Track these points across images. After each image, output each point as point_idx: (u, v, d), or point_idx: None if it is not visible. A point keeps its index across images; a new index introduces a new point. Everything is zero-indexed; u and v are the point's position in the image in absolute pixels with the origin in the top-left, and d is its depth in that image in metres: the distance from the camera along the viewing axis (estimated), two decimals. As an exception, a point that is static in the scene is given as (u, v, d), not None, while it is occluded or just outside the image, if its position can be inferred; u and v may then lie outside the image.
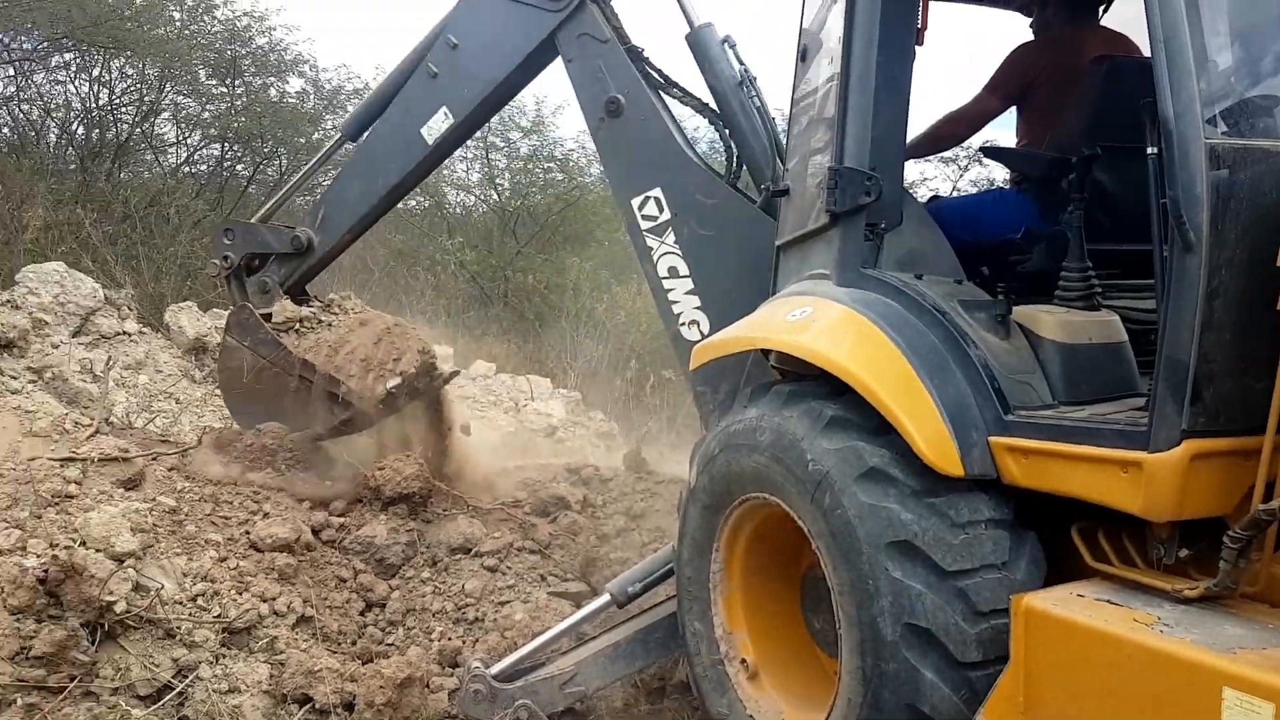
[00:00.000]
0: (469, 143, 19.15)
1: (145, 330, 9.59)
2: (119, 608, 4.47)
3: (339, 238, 6.18)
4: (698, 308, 4.92)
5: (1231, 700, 2.42)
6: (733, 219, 4.81)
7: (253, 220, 6.59)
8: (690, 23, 4.95)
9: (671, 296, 4.96)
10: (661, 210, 4.87)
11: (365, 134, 5.99)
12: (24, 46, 14.96)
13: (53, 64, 15.61)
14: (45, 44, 14.93)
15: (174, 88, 16.17)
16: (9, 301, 8.59)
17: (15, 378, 7.94)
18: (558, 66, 5.36)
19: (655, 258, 4.92)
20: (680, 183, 4.88)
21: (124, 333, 9.29)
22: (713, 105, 5.11)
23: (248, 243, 6.28)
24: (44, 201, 11.86)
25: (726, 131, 5.02)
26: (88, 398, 7.85)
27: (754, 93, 4.95)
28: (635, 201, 4.93)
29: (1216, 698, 2.44)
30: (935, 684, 3.13)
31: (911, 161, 5.12)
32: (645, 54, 5.03)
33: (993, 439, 3.35)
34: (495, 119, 18.74)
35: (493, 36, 5.30)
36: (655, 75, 5.06)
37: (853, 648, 3.32)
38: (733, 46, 4.96)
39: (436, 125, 5.54)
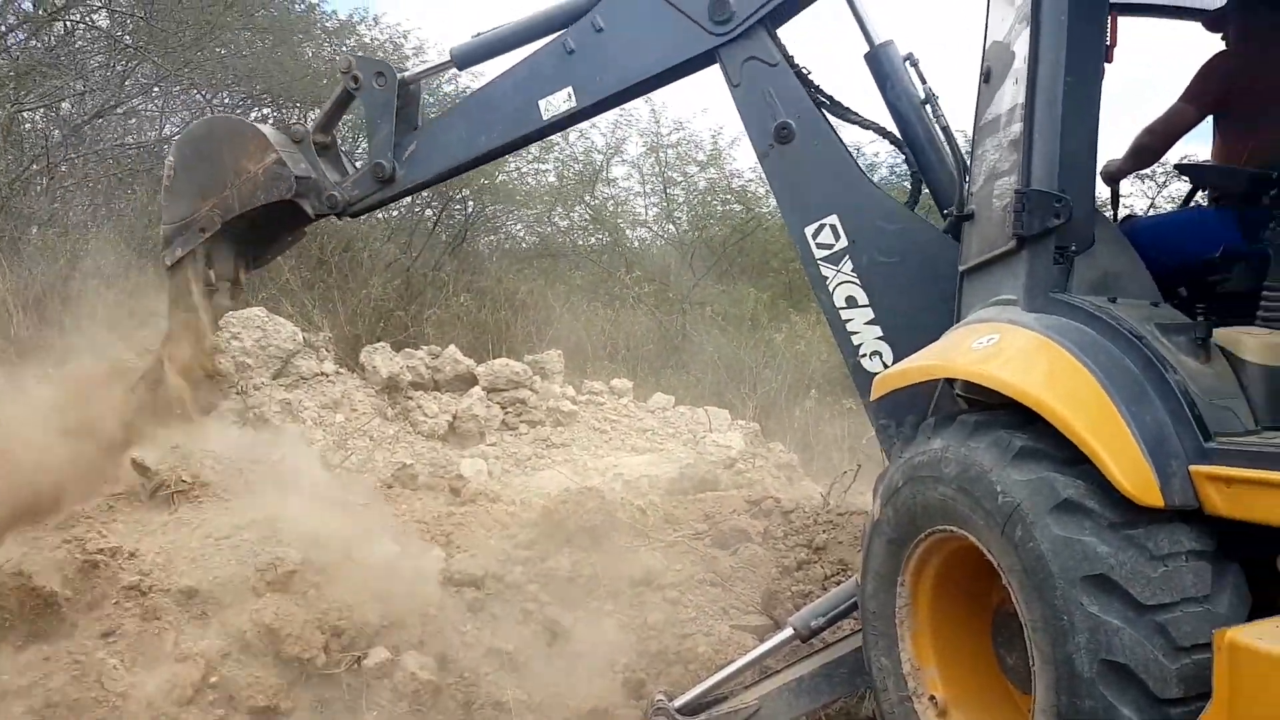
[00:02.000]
0: (646, 178, 19.54)
1: (341, 370, 10.04)
2: None
3: (424, 178, 5.84)
4: (879, 338, 4.75)
5: None
6: (916, 245, 4.66)
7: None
8: (870, 41, 4.82)
9: (851, 327, 4.79)
10: (838, 238, 4.71)
11: (486, 84, 5.64)
12: (225, 102, 15.94)
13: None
14: (245, 99, 15.87)
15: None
16: (214, 346, 9.13)
17: (219, 419, 8.42)
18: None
19: (831, 287, 4.76)
20: (858, 208, 4.71)
21: (322, 373, 9.75)
22: (892, 127, 4.96)
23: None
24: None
25: (910, 153, 4.88)
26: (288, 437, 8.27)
27: (938, 113, 4.82)
28: (809, 229, 4.76)
29: None
30: (1134, 722, 3.02)
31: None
32: (812, 77, 4.89)
33: (1193, 468, 3.21)
34: (673, 154, 19.06)
35: (642, 35, 5.03)
36: (825, 99, 4.91)
37: (1048, 685, 3.22)
38: (915, 65, 4.82)
39: (556, 103, 5.27)
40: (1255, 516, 3.07)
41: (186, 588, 5.00)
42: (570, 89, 5.20)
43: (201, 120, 5.86)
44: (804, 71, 4.85)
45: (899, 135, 4.93)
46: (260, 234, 6.09)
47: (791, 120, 4.76)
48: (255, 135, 5.70)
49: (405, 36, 17.70)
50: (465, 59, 5.64)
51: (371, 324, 12.16)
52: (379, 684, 4.80)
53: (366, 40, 17.43)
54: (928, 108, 4.82)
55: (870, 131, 5.02)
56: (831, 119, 4.90)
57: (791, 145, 4.77)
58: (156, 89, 15.12)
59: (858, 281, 4.72)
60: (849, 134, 5.06)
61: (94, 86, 13.79)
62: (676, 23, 4.87)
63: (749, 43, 4.79)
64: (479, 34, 5.51)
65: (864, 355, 4.76)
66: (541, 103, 5.27)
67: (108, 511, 5.65)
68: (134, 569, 5.11)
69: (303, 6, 17.15)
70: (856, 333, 4.78)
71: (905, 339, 4.60)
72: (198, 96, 15.64)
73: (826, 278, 4.75)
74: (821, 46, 4.91)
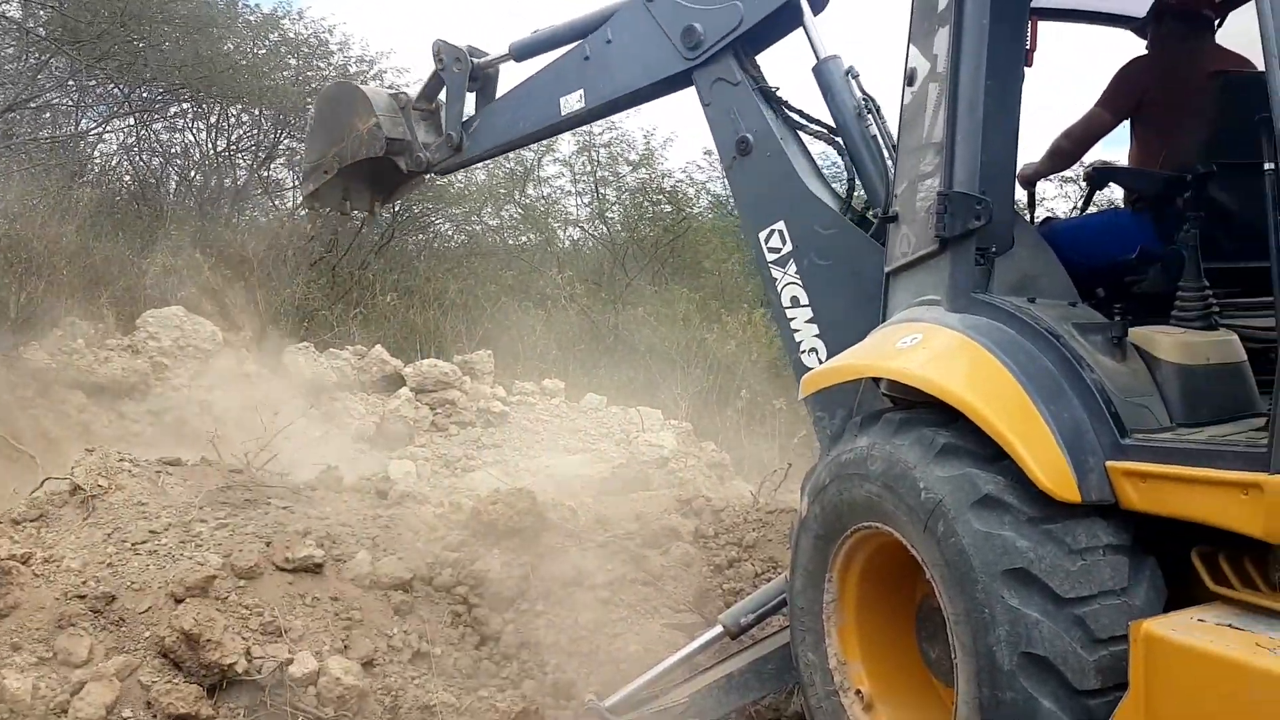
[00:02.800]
0: (578, 178, 19.54)
1: (264, 371, 9.89)
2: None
3: (482, 151, 6.49)
4: (816, 335, 4.95)
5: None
6: (848, 248, 4.87)
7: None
8: (817, 56, 5.05)
9: (794, 325, 5.02)
10: (785, 243, 4.99)
11: (531, 75, 6.13)
12: (143, 96, 15.62)
13: (171, 113, 16.28)
14: (164, 93, 15.56)
15: (289, 133, 16.73)
16: (130, 346, 8.93)
17: (136, 421, 8.26)
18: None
19: (780, 288, 5.02)
20: (800, 215, 4.97)
21: (243, 374, 9.59)
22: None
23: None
24: (164, 248, 12.34)
25: (847, 159, 5.06)
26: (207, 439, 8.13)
27: (876, 121, 5.01)
28: (762, 235, 5.05)
29: (1346, 724, 2.36)
30: (1053, 712, 3.07)
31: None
32: (779, 92, 5.16)
33: (1110, 463, 3.28)
34: (604, 154, 19.07)
35: (638, 50, 5.48)
36: (790, 113, 5.18)
37: (969, 677, 3.27)
38: (855, 77, 5.02)
39: (571, 102, 5.79)
40: (1170, 511, 3.14)
41: (103, 594, 4.89)
42: (582, 91, 5.73)
43: (332, 82, 6.98)
44: (771, 90, 5.12)
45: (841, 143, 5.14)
46: (382, 178, 6.84)
47: (749, 134, 5.05)
48: (364, 99, 6.52)
49: (330, 31, 17.54)
50: (521, 52, 6.23)
51: (295, 324, 11.98)
52: (303, 690, 4.73)
53: (290, 35, 17.23)
54: (869, 117, 5.00)
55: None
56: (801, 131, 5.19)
57: (750, 157, 5.08)
58: (71, 82, 14.78)
59: (800, 283, 4.96)
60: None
61: (5, 80, 13.45)
62: (661, 45, 5.30)
63: (716, 66, 5.13)
64: (535, 31, 6.12)
65: (803, 352, 4.97)
66: (561, 100, 5.83)
67: (20, 516, 5.50)
68: (48, 575, 4.99)
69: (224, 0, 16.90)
70: (798, 330, 5.00)
71: (837, 337, 4.77)
72: (115, 90, 15.32)
73: (776, 279, 5.02)
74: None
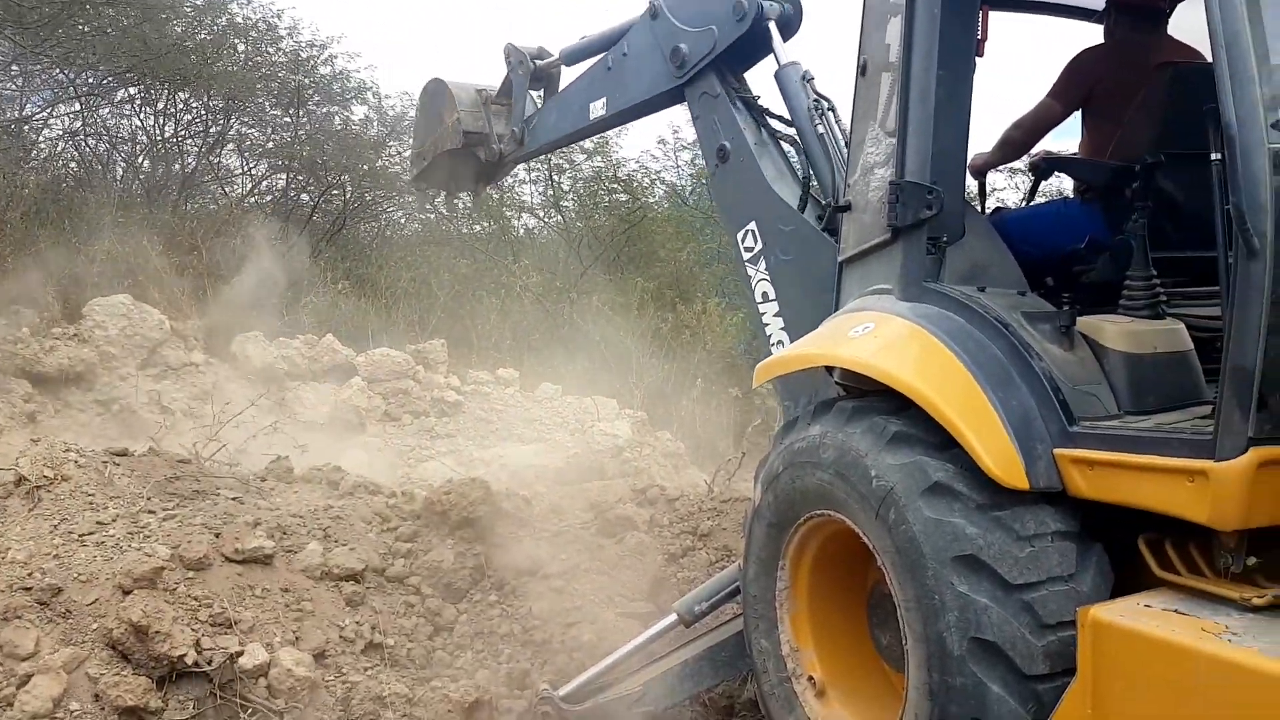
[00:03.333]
0: (533, 165, 19.42)
1: (212, 360, 9.76)
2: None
3: (539, 145, 6.98)
4: (782, 328, 5.18)
5: (1303, 709, 2.37)
6: (805, 243, 5.11)
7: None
8: (778, 63, 5.38)
9: (765, 319, 5.26)
10: (757, 241, 5.29)
11: (574, 79, 6.58)
12: (89, 81, 15.33)
13: (118, 98, 15.98)
14: (110, 78, 15.29)
15: (239, 119, 16.50)
16: (76, 335, 8.77)
17: (83, 410, 8.13)
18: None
19: (754, 284, 5.33)
20: (767, 215, 5.27)
21: (191, 363, 9.45)
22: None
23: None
24: (111, 234, 12.13)
25: (804, 159, 5.33)
26: (156, 429, 8.02)
27: (826, 121, 5.27)
28: (739, 235, 5.38)
29: (1286, 706, 2.40)
30: (1002, 698, 3.11)
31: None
32: (760, 100, 5.50)
33: (1058, 451, 3.32)
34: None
35: (643, 65, 5.90)
36: (769, 119, 5.49)
37: (919, 663, 3.30)
38: (810, 80, 5.33)
39: (597, 108, 6.22)
40: (1117, 498, 3.19)
41: (50, 585, 4.81)
42: (605, 99, 6.16)
43: (432, 78, 7.19)
44: (752, 99, 5.50)
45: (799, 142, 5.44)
46: (479, 164, 7.23)
47: (727, 143, 5.41)
48: (450, 94, 6.99)
49: (279, 15, 17.31)
50: (569, 57, 6.70)
51: (244, 312, 11.80)
52: (254, 682, 4.68)
53: (239, 20, 16.97)
54: (814, 117, 5.27)
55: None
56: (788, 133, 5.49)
57: (728, 164, 5.44)
58: (15, 67, 14.49)
59: (769, 279, 5.27)
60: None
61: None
62: (659, 62, 5.73)
63: (701, 82, 5.52)
64: (583, 37, 6.57)
65: (774, 344, 5.19)
66: (590, 105, 6.28)
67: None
68: (-7, 567, 4.91)
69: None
70: (768, 324, 5.25)
71: (798, 330, 4.93)
72: (60, 75, 15.03)
73: (751, 276, 5.33)
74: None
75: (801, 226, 5.14)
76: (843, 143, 5.11)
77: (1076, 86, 4.60)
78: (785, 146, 5.43)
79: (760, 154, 5.36)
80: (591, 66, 6.34)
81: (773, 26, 5.36)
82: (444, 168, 7.35)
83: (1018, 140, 4.78)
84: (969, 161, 4.87)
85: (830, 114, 5.26)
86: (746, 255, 5.33)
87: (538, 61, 6.81)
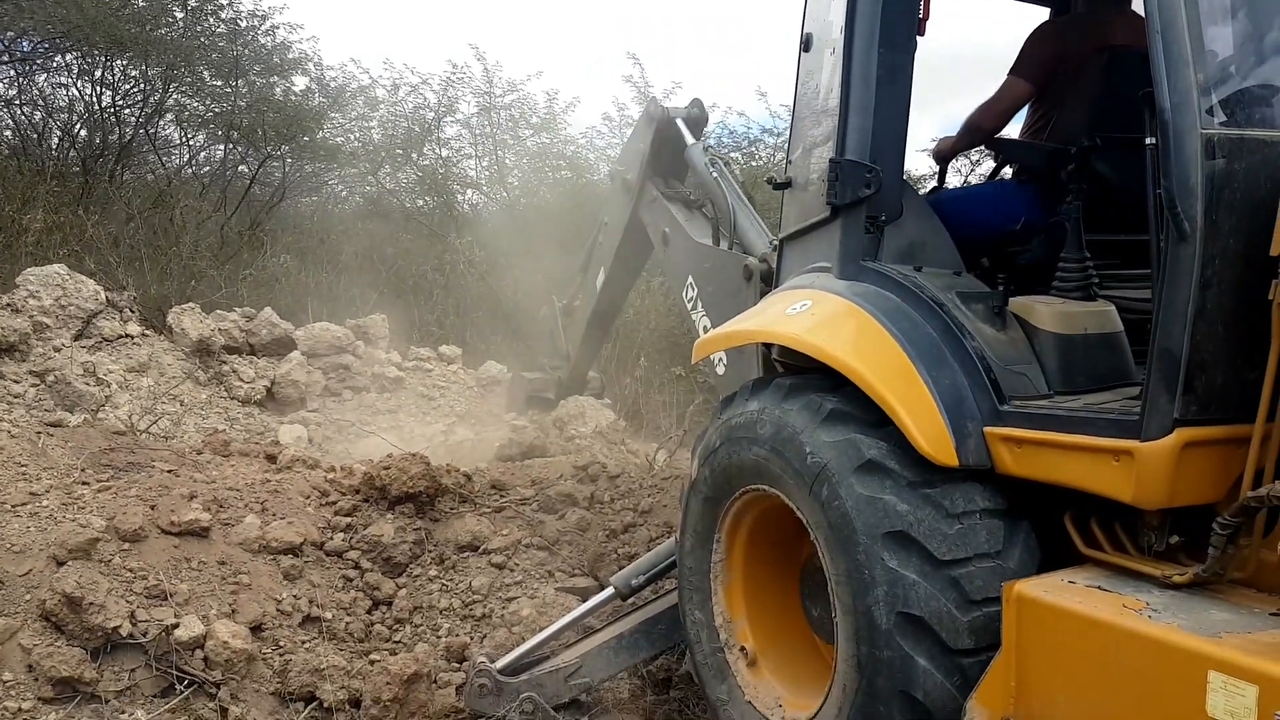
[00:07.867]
0: (479, 140, 19.26)
1: (148, 333, 9.61)
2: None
3: (585, 360, 9.42)
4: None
5: (1216, 683, 2.44)
6: (720, 268, 6.00)
7: None
8: (686, 143, 6.82)
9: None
10: (694, 290, 6.30)
11: None
12: (23, 48, 14.95)
13: (54, 65, 15.59)
14: (45, 45, 14.91)
15: (177, 88, 16.16)
16: (9, 305, 8.58)
17: (18, 381, 7.98)
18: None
19: (698, 323, 6.21)
20: (697, 263, 6.35)
21: (126, 335, 9.30)
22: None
23: None
24: (46, 204, 11.87)
25: (711, 206, 6.53)
26: (91, 401, 7.89)
27: (719, 168, 6.56)
28: (684, 292, 6.41)
29: (1202, 681, 2.47)
30: (928, 671, 3.17)
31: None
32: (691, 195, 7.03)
33: (988, 429, 3.38)
34: (504, 116, 18.83)
35: (615, 211, 7.68)
36: (689, 197, 6.96)
37: (848, 635, 3.36)
38: (708, 148, 6.89)
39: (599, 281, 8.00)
40: (1044, 476, 3.25)
41: (-20, 557, 4.74)
42: (607, 218, 7.89)
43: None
44: (686, 195, 6.98)
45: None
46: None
47: (666, 229, 6.83)
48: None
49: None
50: None
51: (181, 284, 11.61)
52: (190, 653, 4.65)
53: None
54: (719, 165, 6.65)
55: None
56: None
57: (670, 244, 6.80)
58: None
59: (704, 311, 6.18)
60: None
61: None
62: (624, 201, 7.40)
63: (644, 193, 7.14)
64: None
65: (716, 365, 5.90)
66: (595, 283, 8.08)
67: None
68: (-79, 539, 4.82)
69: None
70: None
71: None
72: (-7, 41, 14.65)
73: (695, 320, 6.26)
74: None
75: (715, 255, 6.09)
76: (734, 183, 6.51)
77: (1041, 61, 4.47)
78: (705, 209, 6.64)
79: (688, 223, 6.63)
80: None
81: (681, 124, 6.93)
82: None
83: (983, 124, 4.63)
84: (935, 147, 4.94)
85: (722, 163, 6.67)
86: (690, 305, 6.36)
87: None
